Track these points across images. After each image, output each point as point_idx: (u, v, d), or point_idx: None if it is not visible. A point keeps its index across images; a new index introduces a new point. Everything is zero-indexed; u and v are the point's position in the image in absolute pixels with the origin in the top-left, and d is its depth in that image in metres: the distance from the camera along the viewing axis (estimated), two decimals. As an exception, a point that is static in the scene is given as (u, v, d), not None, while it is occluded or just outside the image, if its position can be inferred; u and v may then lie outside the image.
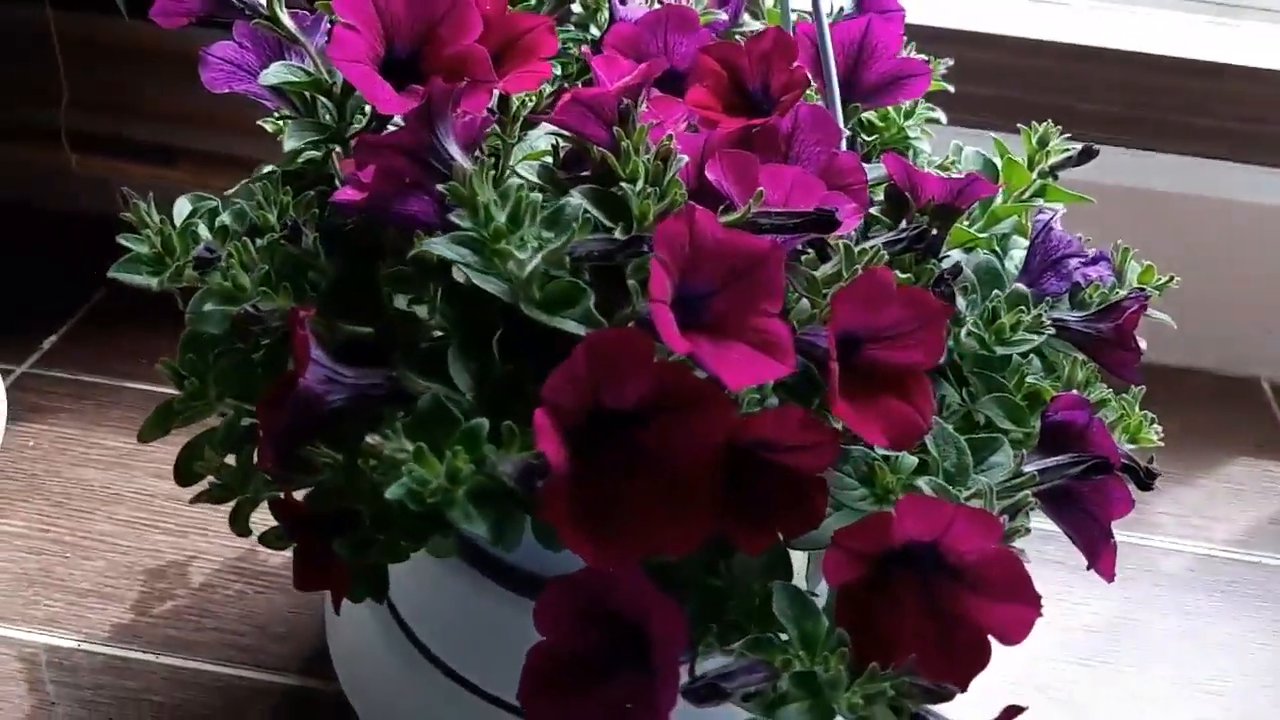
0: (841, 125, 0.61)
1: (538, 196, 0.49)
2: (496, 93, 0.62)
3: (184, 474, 0.61)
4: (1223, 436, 1.22)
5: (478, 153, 0.54)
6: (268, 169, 0.76)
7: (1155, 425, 0.69)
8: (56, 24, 1.26)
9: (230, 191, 0.73)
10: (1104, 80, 1.24)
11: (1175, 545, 1.08)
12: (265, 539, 0.60)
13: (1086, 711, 0.91)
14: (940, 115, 0.86)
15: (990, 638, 0.50)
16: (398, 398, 0.51)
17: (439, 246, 0.49)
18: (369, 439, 0.46)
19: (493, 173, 0.49)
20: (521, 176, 0.55)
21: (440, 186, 0.50)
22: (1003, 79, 1.22)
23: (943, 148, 0.84)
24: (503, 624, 0.74)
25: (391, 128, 0.65)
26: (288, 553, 1.00)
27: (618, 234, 0.50)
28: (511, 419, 0.49)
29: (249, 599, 0.95)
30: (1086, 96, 1.25)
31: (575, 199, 0.51)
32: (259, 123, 0.78)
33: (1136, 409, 0.69)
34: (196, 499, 0.61)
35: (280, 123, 0.76)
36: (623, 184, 0.51)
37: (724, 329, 0.49)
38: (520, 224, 0.48)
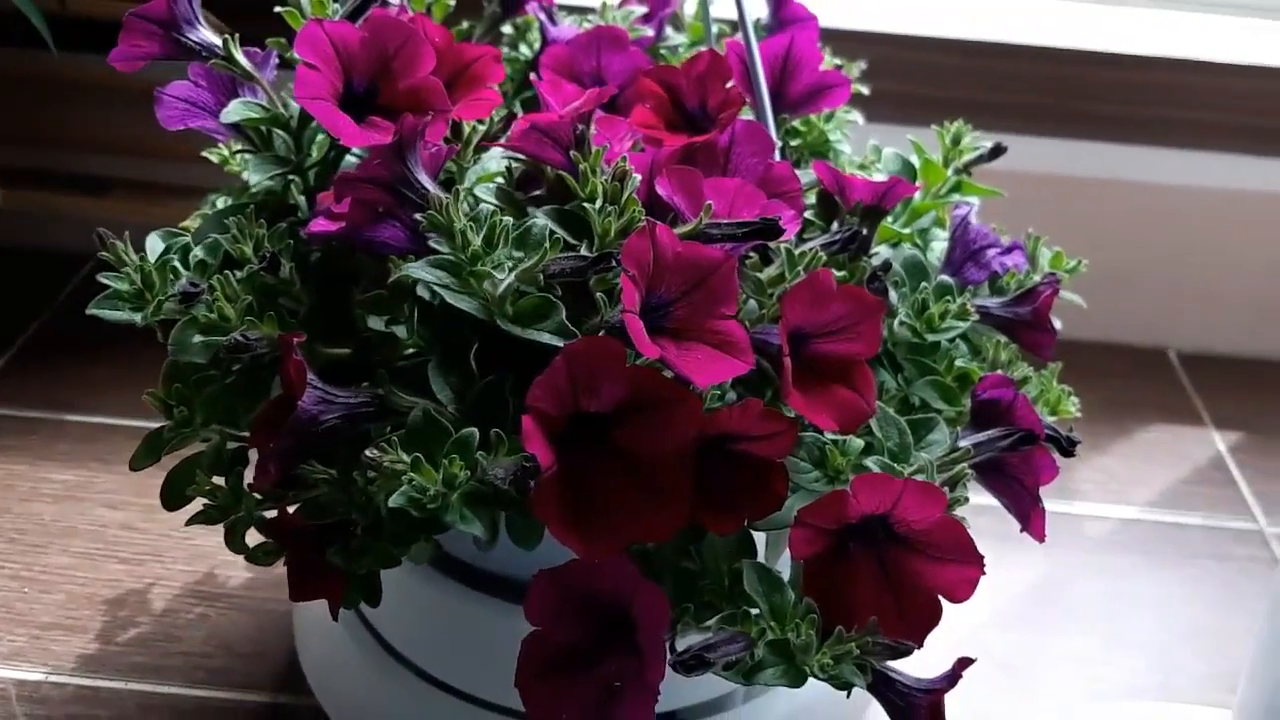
0: (774, 137, 0.66)
1: (509, 220, 0.53)
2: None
3: (171, 499, 0.63)
4: (1136, 405, 1.29)
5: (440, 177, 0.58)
6: (219, 200, 0.79)
7: (1072, 397, 0.75)
8: (-26, 60, 1.27)
9: (190, 224, 0.75)
10: (1008, 73, 1.30)
11: (1098, 511, 1.15)
12: (253, 555, 0.63)
13: (1025, 671, 0.97)
14: (857, 117, 0.91)
15: (940, 597, 0.55)
16: (384, 414, 0.54)
17: (418, 270, 0.53)
18: (369, 453, 0.49)
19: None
20: (479, 198, 0.59)
21: (418, 215, 0.53)
22: (910, 75, 1.28)
23: (858, 143, 0.89)
24: (471, 623, 0.77)
25: (350, 158, 0.68)
26: (247, 573, 1.03)
27: (583, 250, 0.54)
28: (494, 426, 0.52)
29: (212, 621, 0.96)
30: (992, 89, 1.31)
31: (540, 220, 0.55)
32: (204, 154, 0.81)
33: (1054, 384, 0.75)
34: (191, 521, 0.63)
35: (226, 154, 0.79)
36: (584, 204, 0.55)
37: (686, 332, 0.53)
38: (495, 246, 0.52)
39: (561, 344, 0.53)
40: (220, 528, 1.03)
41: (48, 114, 1.34)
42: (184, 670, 0.91)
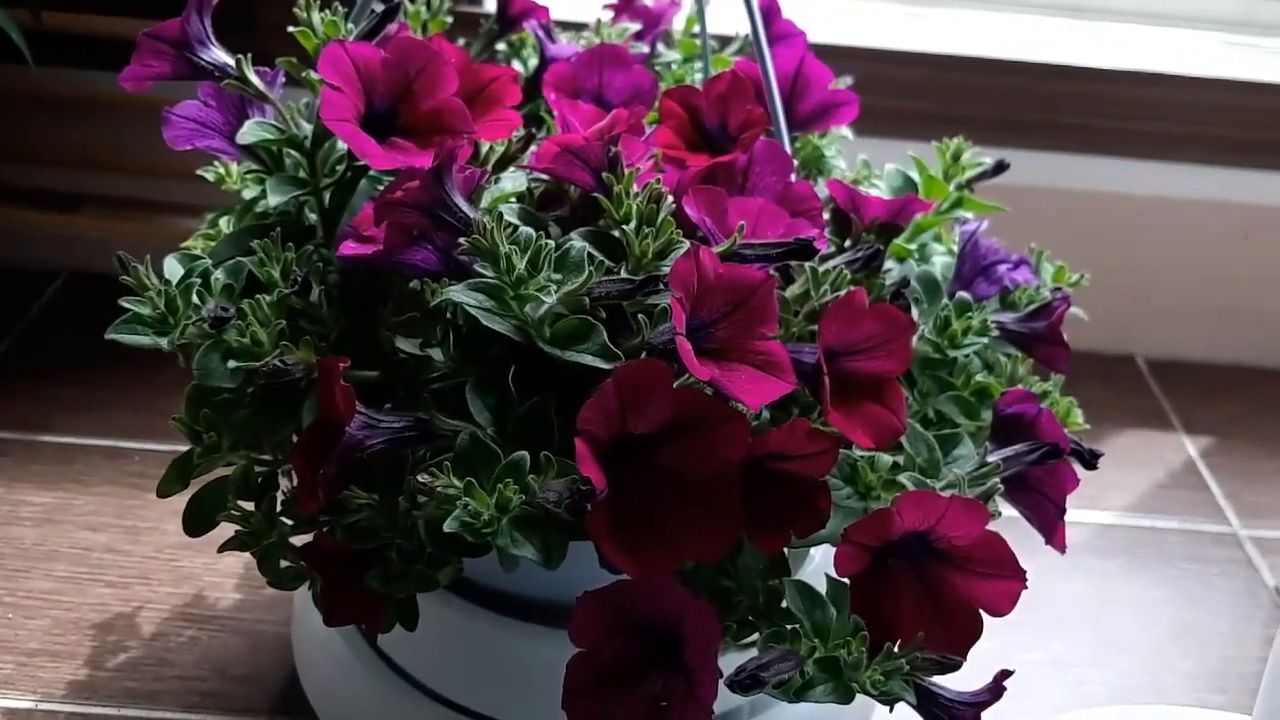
0: (790, 155, 0.67)
1: (551, 244, 0.53)
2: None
3: (196, 524, 0.63)
4: (1108, 412, 1.31)
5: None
6: (223, 220, 0.78)
7: (1077, 409, 0.76)
8: (-62, 74, 1.24)
9: (193, 244, 0.75)
10: (971, 85, 1.33)
11: (1076, 517, 1.16)
12: (279, 580, 0.62)
13: (1013, 678, 0.98)
14: (847, 132, 0.92)
15: (981, 611, 0.56)
16: (425, 438, 0.54)
17: (458, 294, 0.53)
18: (421, 478, 0.49)
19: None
20: (514, 221, 0.59)
21: (461, 240, 0.53)
22: (884, 89, 1.30)
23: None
24: (477, 640, 0.77)
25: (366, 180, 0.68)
26: (237, 594, 1.02)
27: (623, 272, 0.55)
28: (537, 448, 0.53)
29: (204, 644, 0.95)
30: (957, 101, 1.33)
31: (578, 242, 0.56)
32: (200, 172, 0.80)
33: (1059, 395, 0.76)
34: (224, 548, 0.62)
35: (223, 172, 0.79)
36: (620, 226, 0.56)
37: (728, 353, 0.54)
38: (539, 270, 0.53)
39: (605, 365, 0.53)
40: (206, 550, 1.02)
41: (15, 129, 1.32)
42: (178, 695, 0.90)
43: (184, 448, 0.64)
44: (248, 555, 0.64)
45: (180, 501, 0.66)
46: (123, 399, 1.19)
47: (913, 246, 0.78)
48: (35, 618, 0.95)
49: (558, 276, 0.54)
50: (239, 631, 0.96)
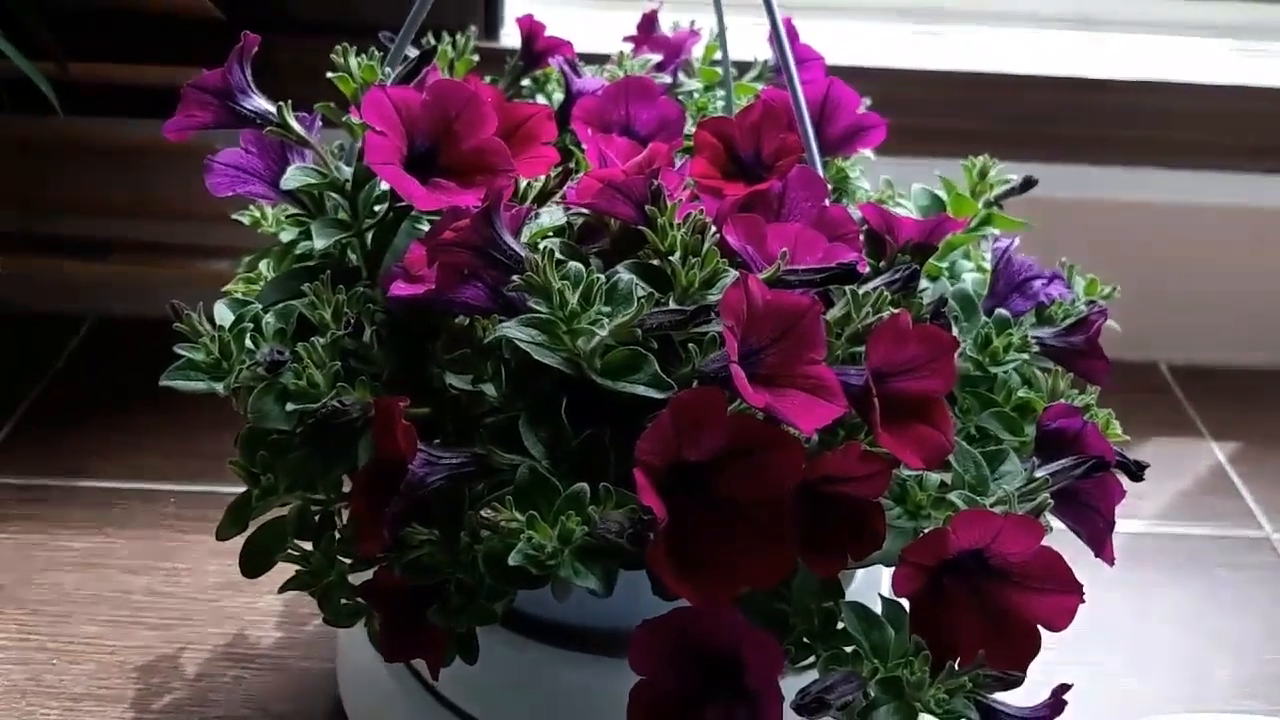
0: (825, 180, 0.67)
1: (602, 278, 0.54)
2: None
3: (253, 565, 0.63)
4: (1132, 419, 1.29)
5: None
6: (262, 263, 0.79)
7: (1115, 420, 0.77)
8: (-33, 125, 1.26)
9: (234, 288, 0.76)
10: (987, 101, 1.34)
11: (1109, 526, 1.17)
12: (335, 617, 0.63)
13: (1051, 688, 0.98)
14: (869, 153, 0.93)
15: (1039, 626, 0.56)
16: (483, 473, 0.55)
17: (511, 330, 0.54)
18: (484, 513, 0.50)
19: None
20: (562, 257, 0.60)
21: (515, 278, 0.54)
22: (899, 108, 1.31)
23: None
24: (526, 670, 0.77)
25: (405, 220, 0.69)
26: (279, 633, 1.03)
27: (670, 303, 0.56)
28: (593, 479, 0.53)
29: (248, 683, 0.95)
30: (973, 117, 1.34)
31: (625, 275, 0.57)
32: (235, 216, 0.81)
33: (1095, 407, 0.77)
34: (285, 588, 0.63)
35: (259, 215, 0.80)
36: (668, 257, 0.57)
37: (778, 379, 0.54)
38: (591, 304, 0.54)
39: (657, 395, 0.54)
40: (247, 589, 1.03)
41: (45, 178, 1.34)
42: (224, 736, 0.91)
43: (219, 488, 0.65)
44: (288, 593, 0.65)
45: (219, 542, 0.67)
46: (155, 443, 1.20)
47: (944, 265, 0.79)
48: (79, 663, 0.96)
49: (608, 309, 0.55)
50: (282, 670, 0.97)
